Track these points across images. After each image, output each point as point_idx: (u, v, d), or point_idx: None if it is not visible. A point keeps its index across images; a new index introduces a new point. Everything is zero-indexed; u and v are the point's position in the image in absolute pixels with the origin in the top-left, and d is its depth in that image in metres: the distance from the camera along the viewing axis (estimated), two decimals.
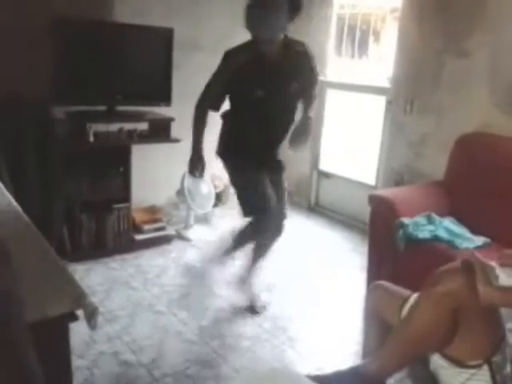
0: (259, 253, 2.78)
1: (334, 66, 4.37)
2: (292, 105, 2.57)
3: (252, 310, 2.77)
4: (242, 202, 2.62)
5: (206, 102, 2.49)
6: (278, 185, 2.68)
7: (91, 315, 1.49)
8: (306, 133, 2.60)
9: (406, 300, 1.66)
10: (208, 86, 2.47)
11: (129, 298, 2.84)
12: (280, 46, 2.39)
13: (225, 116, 2.63)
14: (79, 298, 1.44)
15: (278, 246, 3.66)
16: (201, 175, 2.63)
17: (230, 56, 2.42)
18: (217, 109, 2.53)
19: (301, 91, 2.54)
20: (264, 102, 2.43)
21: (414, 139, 3.55)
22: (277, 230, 2.71)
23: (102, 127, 3.31)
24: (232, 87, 2.45)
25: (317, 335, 2.61)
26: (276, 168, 2.71)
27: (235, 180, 2.65)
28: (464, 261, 1.53)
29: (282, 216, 2.71)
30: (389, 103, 3.79)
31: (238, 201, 2.64)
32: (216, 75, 2.45)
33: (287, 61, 2.43)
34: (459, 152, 2.98)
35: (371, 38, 4.31)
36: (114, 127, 3.36)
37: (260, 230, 2.62)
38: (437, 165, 3.18)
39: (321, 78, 4.25)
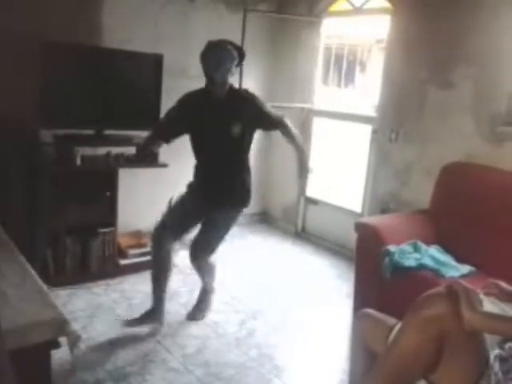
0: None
1: (321, 94, 4.43)
2: (235, 145, 2.72)
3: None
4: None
5: (155, 128, 2.92)
6: (208, 222, 2.78)
7: (74, 343, 1.47)
8: (302, 166, 2.83)
9: (392, 328, 1.66)
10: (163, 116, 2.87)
11: (112, 324, 2.79)
12: (227, 92, 2.67)
13: None
14: (62, 325, 1.42)
15: (263, 272, 3.66)
16: (142, 158, 2.95)
17: (184, 95, 2.78)
18: (163, 138, 2.85)
19: (247, 133, 2.73)
20: (206, 137, 2.72)
21: (400, 167, 3.60)
22: (190, 256, 2.78)
23: (89, 151, 3.30)
24: (181, 120, 2.76)
25: (303, 363, 2.59)
26: (214, 205, 2.76)
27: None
28: (448, 286, 1.53)
29: (195, 247, 2.74)
30: (374, 132, 3.84)
31: None
32: (169, 108, 2.81)
33: (231, 105, 2.68)
34: (444, 181, 3.02)
35: (357, 68, 4.40)
36: (101, 151, 3.35)
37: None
38: (422, 193, 3.22)
39: (307, 106, 4.34)
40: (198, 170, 2.85)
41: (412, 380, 1.57)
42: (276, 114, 2.79)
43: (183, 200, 2.84)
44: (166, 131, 2.83)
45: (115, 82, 3.42)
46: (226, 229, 2.78)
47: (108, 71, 3.39)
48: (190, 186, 2.88)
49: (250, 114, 2.69)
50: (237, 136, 2.68)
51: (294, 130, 2.82)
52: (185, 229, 2.84)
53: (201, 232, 2.76)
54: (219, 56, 2.56)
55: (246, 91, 2.80)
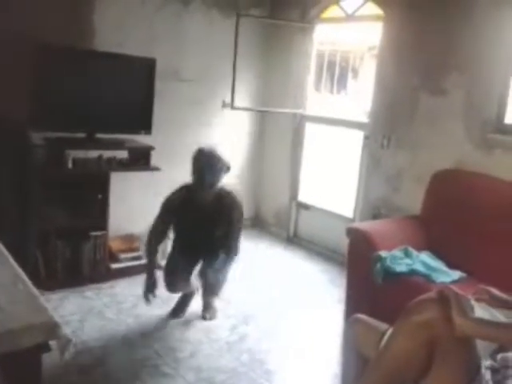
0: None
1: (314, 100, 4.45)
2: (218, 240, 2.91)
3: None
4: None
5: (153, 230, 2.92)
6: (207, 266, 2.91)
7: (64, 347, 1.46)
8: (207, 305, 3.01)
9: (384, 334, 1.66)
10: (155, 220, 2.93)
11: (103, 328, 2.77)
12: (212, 197, 2.85)
13: None
14: (53, 328, 1.40)
15: (255, 277, 3.66)
16: (154, 296, 2.88)
17: (167, 199, 2.91)
18: (161, 235, 2.97)
19: (226, 235, 2.93)
20: (190, 233, 2.91)
21: (391, 173, 3.62)
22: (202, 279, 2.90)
23: (80, 154, 3.28)
24: (169, 219, 2.93)
25: (295, 368, 2.58)
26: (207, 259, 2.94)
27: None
28: (439, 291, 1.54)
29: (207, 271, 2.87)
30: (366, 138, 3.86)
31: None
32: (159, 212, 2.92)
33: (214, 210, 2.86)
34: (435, 187, 3.05)
35: (350, 74, 4.42)
36: (93, 154, 3.34)
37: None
38: (413, 199, 3.24)
39: (300, 111, 4.36)
40: (181, 245, 3.00)
41: None
42: (238, 243, 2.95)
43: (176, 256, 2.98)
44: (160, 229, 2.93)
45: (108, 85, 3.41)
46: (226, 270, 2.93)
47: (101, 74, 3.37)
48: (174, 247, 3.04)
49: (224, 222, 2.88)
50: (217, 236, 2.89)
51: (228, 270, 2.94)
52: (190, 271, 2.98)
53: (206, 280, 2.88)
54: (212, 163, 2.76)
55: (230, 198, 2.90)
